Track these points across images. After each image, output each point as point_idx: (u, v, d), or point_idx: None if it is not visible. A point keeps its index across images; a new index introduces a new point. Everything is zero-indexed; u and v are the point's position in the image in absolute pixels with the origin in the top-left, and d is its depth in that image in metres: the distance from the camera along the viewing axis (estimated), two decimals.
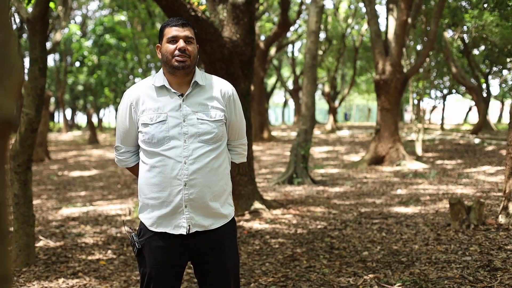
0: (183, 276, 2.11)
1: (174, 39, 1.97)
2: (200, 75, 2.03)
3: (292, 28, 22.21)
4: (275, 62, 28.54)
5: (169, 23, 2.00)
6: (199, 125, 1.95)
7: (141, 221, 2.04)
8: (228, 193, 2.06)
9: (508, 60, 16.43)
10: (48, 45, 17.87)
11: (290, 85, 33.02)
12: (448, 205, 5.52)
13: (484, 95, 18.61)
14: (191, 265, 2.09)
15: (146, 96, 2.00)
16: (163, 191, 1.95)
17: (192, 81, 2.00)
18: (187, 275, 3.75)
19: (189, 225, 1.94)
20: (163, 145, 1.94)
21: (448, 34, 16.13)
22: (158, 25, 18.53)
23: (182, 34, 1.97)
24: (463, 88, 23.12)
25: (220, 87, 2.06)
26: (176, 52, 1.95)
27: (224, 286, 2.02)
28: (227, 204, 2.05)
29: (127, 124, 2.04)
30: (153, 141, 1.95)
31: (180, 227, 1.95)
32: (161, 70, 2.05)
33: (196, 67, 2.05)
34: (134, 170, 2.17)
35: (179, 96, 1.98)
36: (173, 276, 2.01)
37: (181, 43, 1.95)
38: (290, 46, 27.97)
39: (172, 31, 1.98)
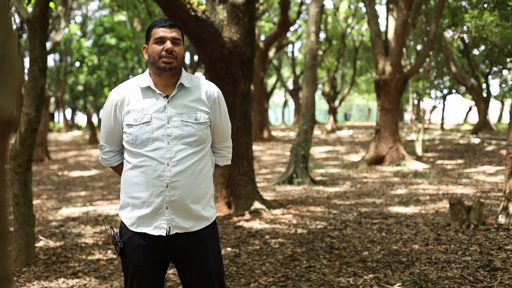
0: (165, 275, 2.11)
1: (161, 40, 1.96)
2: (186, 77, 2.03)
3: (292, 28, 22.21)
4: (275, 62, 28.54)
5: (156, 24, 2.00)
6: (183, 127, 1.95)
7: (121, 221, 2.05)
8: (210, 196, 2.06)
9: (508, 60, 16.43)
10: (48, 45, 17.87)
11: (290, 85, 33.02)
12: (448, 205, 5.52)
13: (484, 95, 18.61)
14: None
15: (131, 97, 1.99)
16: (144, 191, 1.95)
17: (178, 83, 1.99)
18: None
19: (169, 227, 1.94)
20: (147, 146, 1.94)
21: (448, 34, 16.13)
22: None
23: (169, 35, 1.96)
24: (463, 88, 23.12)
25: (205, 89, 2.05)
26: (163, 53, 1.94)
27: None
28: (209, 207, 2.05)
29: (111, 124, 2.04)
30: (136, 142, 1.95)
31: (160, 228, 1.95)
32: (147, 71, 2.04)
33: (183, 69, 2.05)
34: (118, 169, 2.17)
35: (164, 97, 1.97)
36: (155, 274, 2.01)
37: (168, 44, 1.94)
38: (290, 46, 27.97)
39: (159, 32, 1.97)
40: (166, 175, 1.92)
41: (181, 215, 1.95)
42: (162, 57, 1.94)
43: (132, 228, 1.98)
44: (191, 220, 1.98)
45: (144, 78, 2.01)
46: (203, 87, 2.05)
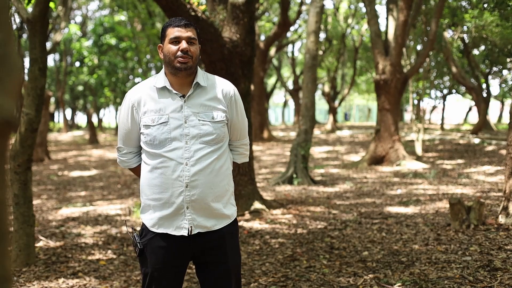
0: (184, 276, 2.10)
1: (176, 40, 1.95)
2: (202, 76, 2.02)
3: (292, 28, 22.21)
4: (275, 62, 28.53)
5: (172, 23, 1.99)
6: (201, 126, 1.95)
7: (143, 222, 2.05)
8: (230, 193, 2.06)
9: (508, 60, 16.43)
10: (48, 45, 17.86)
11: (290, 85, 33.01)
12: (448, 205, 5.52)
13: (484, 95, 18.61)
14: (192, 265, 2.09)
15: (147, 98, 1.99)
16: (164, 192, 1.94)
17: (194, 82, 1.98)
18: (187, 275, 3.74)
19: (190, 226, 1.94)
20: (165, 146, 1.94)
21: (448, 34, 16.13)
22: (158, 25, 18.53)
23: (184, 35, 1.96)
24: (463, 88, 23.12)
25: (221, 87, 2.05)
26: (179, 53, 1.94)
27: (225, 286, 2.01)
28: (229, 204, 2.05)
29: (129, 125, 2.04)
30: (154, 142, 1.95)
31: (181, 228, 1.94)
32: (162, 71, 2.04)
33: (198, 67, 2.05)
34: (136, 171, 2.17)
35: (180, 97, 1.97)
36: (174, 276, 2.01)
37: (183, 44, 1.94)
38: (290, 46, 27.97)
39: (174, 32, 1.96)
40: (185, 175, 1.92)
41: (202, 214, 1.95)
42: (177, 57, 1.94)
43: (154, 229, 1.98)
44: (213, 218, 1.98)
45: (160, 78, 2.00)
46: (219, 86, 2.05)
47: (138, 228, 2.14)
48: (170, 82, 1.99)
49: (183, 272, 2.05)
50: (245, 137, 2.18)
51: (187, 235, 1.94)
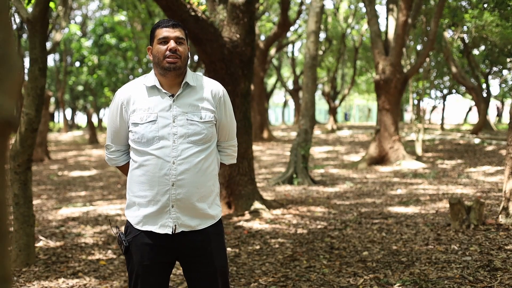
0: (171, 274, 2.11)
1: (165, 40, 1.97)
2: (191, 76, 2.04)
3: (292, 28, 22.21)
4: (275, 62, 28.53)
5: (160, 25, 2.02)
6: (189, 125, 1.96)
7: (127, 220, 2.06)
8: (215, 194, 2.07)
9: (508, 60, 16.43)
10: (48, 45, 17.86)
11: (290, 85, 33.01)
12: (448, 205, 5.52)
13: (484, 95, 18.60)
14: None
15: (137, 96, 2.01)
16: (150, 190, 1.96)
17: (183, 82, 2.00)
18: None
19: (175, 225, 1.95)
20: (153, 144, 1.95)
21: (448, 34, 16.13)
22: None
23: (172, 35, 1.98)
24: (463, 88, 23.11)
25: (210, 88, 2.06)
26: (167, 53, 1.96)
27: (212, 287, 2.02)
28: (215, 205, 2.06)
29: (117, 123, 2.05)
30: (142, 140, 1.96)
31: (166, 227, 1.96)
32: (152, 70, 2.06)
33: (188, 68, 2.06)
34: (124, 169, 2.18)
35: (169, 96, 1.99)
36: (160, 273, 2.02)
37: (171, 44, 1.96)
38: (290, 46, 27.96)
39: (162, 32, 1.98)
40: (172, 174, 1.93)
41: (187, 213, 1.96)
42: (166, 57, 1.96)
43: (138, 227, 1.99)
44: (197, 218, 1.99)
45: (150, 78, 2.02)
46: (208, 86, 2.07)
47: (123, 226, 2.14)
48: (160, 82, 2.01)
49: (169, 269, 2.06)
50: (233, 138, 2.19)
51: (171, 233, 1.95)
